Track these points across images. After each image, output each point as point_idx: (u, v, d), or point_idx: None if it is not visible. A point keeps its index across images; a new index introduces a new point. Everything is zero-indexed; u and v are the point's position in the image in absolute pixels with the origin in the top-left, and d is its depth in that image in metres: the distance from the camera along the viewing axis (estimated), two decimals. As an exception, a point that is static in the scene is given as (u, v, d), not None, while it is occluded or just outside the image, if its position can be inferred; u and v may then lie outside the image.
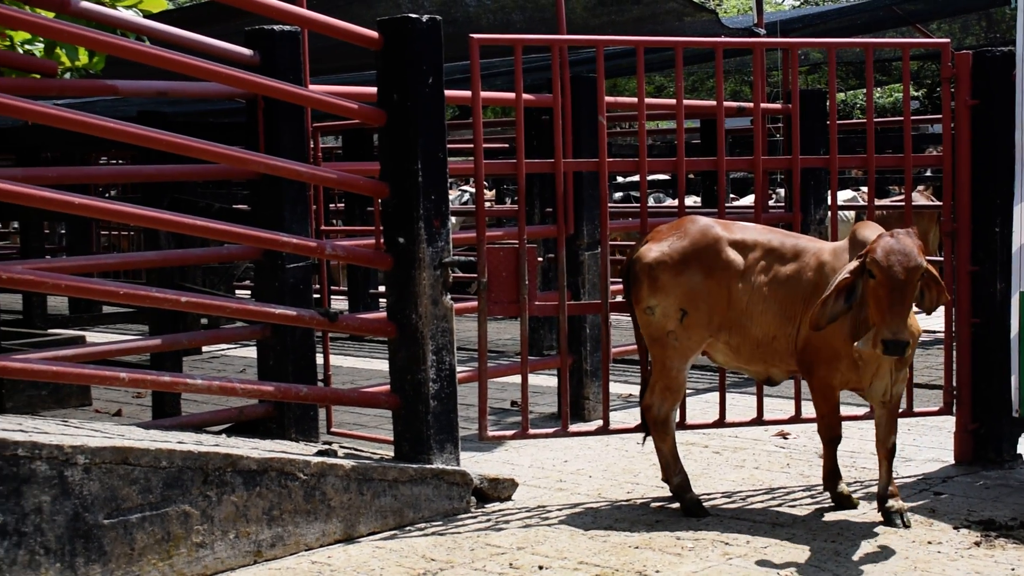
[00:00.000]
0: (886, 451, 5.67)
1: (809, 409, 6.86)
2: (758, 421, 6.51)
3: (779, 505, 5.86)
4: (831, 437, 5.81)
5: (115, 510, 4.63)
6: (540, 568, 4.99)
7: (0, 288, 4.97)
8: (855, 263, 5.25)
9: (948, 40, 6.55)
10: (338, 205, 14.80)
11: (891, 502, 5.58)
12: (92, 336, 11.71)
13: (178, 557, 4.82)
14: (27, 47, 6.46)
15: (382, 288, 13.27)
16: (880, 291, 5.11)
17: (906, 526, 5.46)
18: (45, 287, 5.21)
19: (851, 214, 13.35)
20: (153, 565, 4.74)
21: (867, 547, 5.18)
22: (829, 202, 7.45)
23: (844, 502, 5.79)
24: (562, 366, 6.41)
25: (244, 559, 5.04)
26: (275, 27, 6.25)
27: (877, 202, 7.84)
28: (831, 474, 5.87)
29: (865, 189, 15.14)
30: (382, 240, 6.16)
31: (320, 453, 5.65)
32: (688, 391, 6.30)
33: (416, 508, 5.66)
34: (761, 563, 4.98)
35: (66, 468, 4.49)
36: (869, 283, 5.18)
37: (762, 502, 5.88)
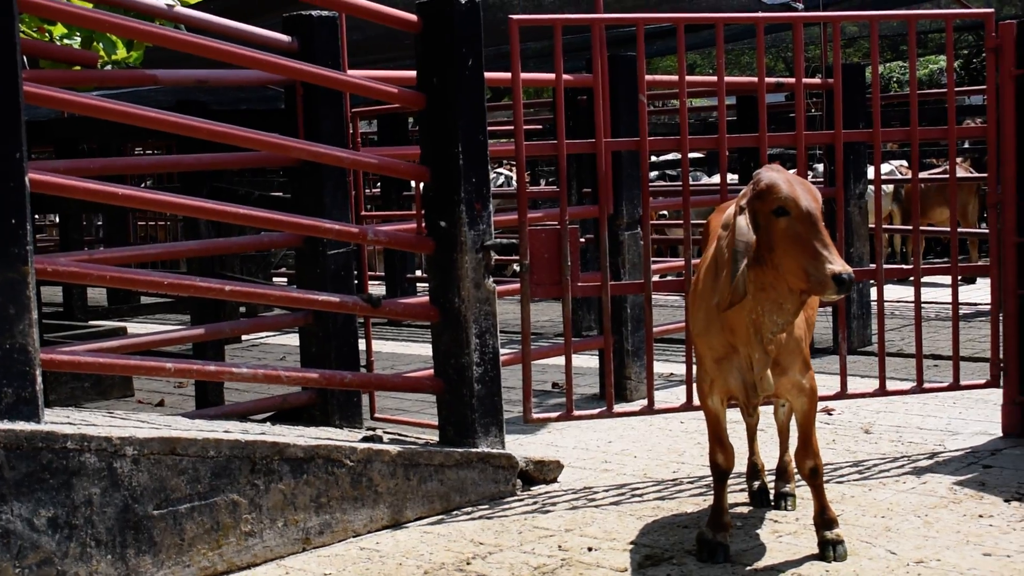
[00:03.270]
0: (804, 474, 4.87)
1: (855, 385, 6.83)
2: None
3: (826, 482, 5.78)
4: (711, 463, 4.99)
5: (164, 501, 4.64)
6: (589, 550, 4.97)
7: (43, 281, 4.95)
8: (741, 217, 4.42)
9: (992, 11, 6.48)
10: (373, 190, 14.82)
11: (827, 532, 4.79)
12: (132, 327, 11.78)
13: (227, 546, 4.83)
14: (65, 41, 6.47)
15: (419, 272, 13.28)
16: (800, 227, 4.33)
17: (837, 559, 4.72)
18: (90, 279, 5.21)
19: (890, 188, 13.28)
20: (203, 555, 4.75)
21: (918, 522, 5.13)
22: (870, 176, 7.35)
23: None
24: (606, 347, 6.38)
25: (293, 547, 5.04)
26: (313, 13, 6.23)
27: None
28: (712, 517, 4.90)
29: (901, 162, 15.06)
30: (423, 224, 6.14)
31: (366, 439, 5.65)
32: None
33: (463, 492, 5.65)
34: (810, 540, 4.94)
35: (115, 460, 4.49)
36: (778, 226, 4.38)
37: (810, 480, 5.83)
